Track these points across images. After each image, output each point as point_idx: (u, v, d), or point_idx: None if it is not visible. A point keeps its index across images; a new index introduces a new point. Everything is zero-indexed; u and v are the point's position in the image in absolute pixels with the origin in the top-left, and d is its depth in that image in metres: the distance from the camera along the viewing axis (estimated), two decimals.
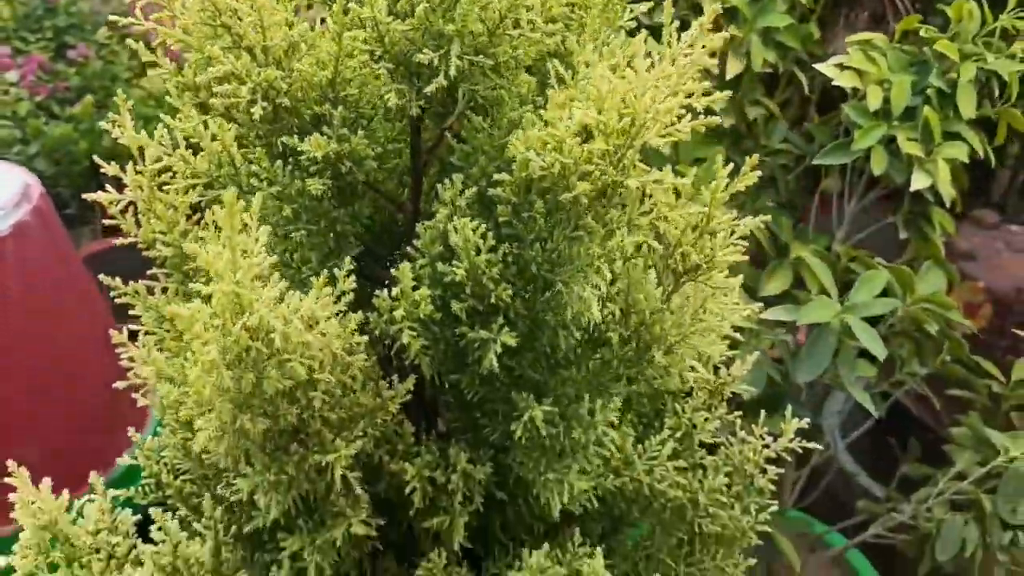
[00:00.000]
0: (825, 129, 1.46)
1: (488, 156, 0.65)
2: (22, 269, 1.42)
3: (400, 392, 0.69)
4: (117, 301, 0.88)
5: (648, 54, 0.59)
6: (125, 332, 0.96)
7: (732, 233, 0.62)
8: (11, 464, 0.67)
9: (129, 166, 0.83)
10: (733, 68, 1.40)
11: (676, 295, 0.65)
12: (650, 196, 0.60)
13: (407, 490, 0.73)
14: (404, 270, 0.63)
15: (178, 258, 0.82)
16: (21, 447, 1.47)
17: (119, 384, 0.94)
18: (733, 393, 1.10)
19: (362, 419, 0.69)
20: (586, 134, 0.55)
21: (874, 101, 1.30)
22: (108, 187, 0.82)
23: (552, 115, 0.58)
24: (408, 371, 0.72)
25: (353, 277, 0.63)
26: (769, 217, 0.78)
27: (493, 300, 0.64)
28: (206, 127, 0.78)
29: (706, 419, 0.96)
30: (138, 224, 0.84)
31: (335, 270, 0.63)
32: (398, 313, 0.64)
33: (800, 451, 0.99)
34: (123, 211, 0.82)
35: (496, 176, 0.61)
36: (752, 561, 1.08)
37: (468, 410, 0.78)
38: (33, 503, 0.67)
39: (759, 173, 1.15)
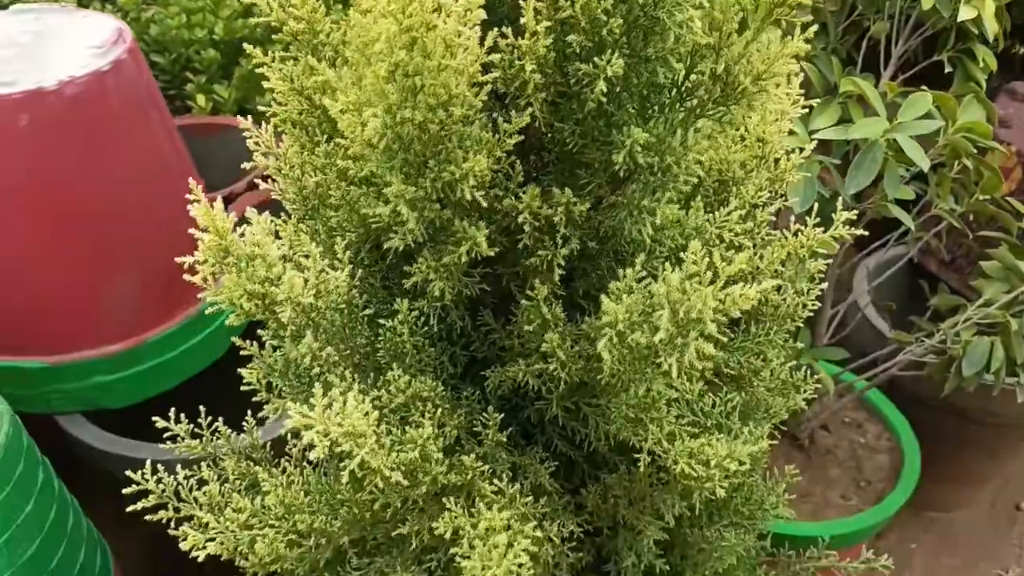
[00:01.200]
0: None
1: None
2: (123, 104, 1.54)
3: (515, 125, 0.80)
4: None
5: None
6: (249, 119, 1.08)
7: None
8: (191, 183, 0.79)
9: None
10: None
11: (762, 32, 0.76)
12: None
13: (519, 219, 0.85)
14: (530, 3, 0.73)
15: (308, 33, 0.93)
16: (124, 272, 1.62)
17: (246, 165, 1.07)
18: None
19: (482, 151, 0.80)
20: None
21: None
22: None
23: None
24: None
25: (483, 12, 0.74)
26: None
27: (604, 34, 0.74)
28: None
29: (765, 203, 1.07)
30: (270, 8, 0.95)
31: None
32: (523, 43, 0.75)
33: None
34: None
35: None
36: (800, 345, 1.21)
37: (568, 162, 0.89)
38: (209, 217, 0.79)
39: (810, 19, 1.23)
